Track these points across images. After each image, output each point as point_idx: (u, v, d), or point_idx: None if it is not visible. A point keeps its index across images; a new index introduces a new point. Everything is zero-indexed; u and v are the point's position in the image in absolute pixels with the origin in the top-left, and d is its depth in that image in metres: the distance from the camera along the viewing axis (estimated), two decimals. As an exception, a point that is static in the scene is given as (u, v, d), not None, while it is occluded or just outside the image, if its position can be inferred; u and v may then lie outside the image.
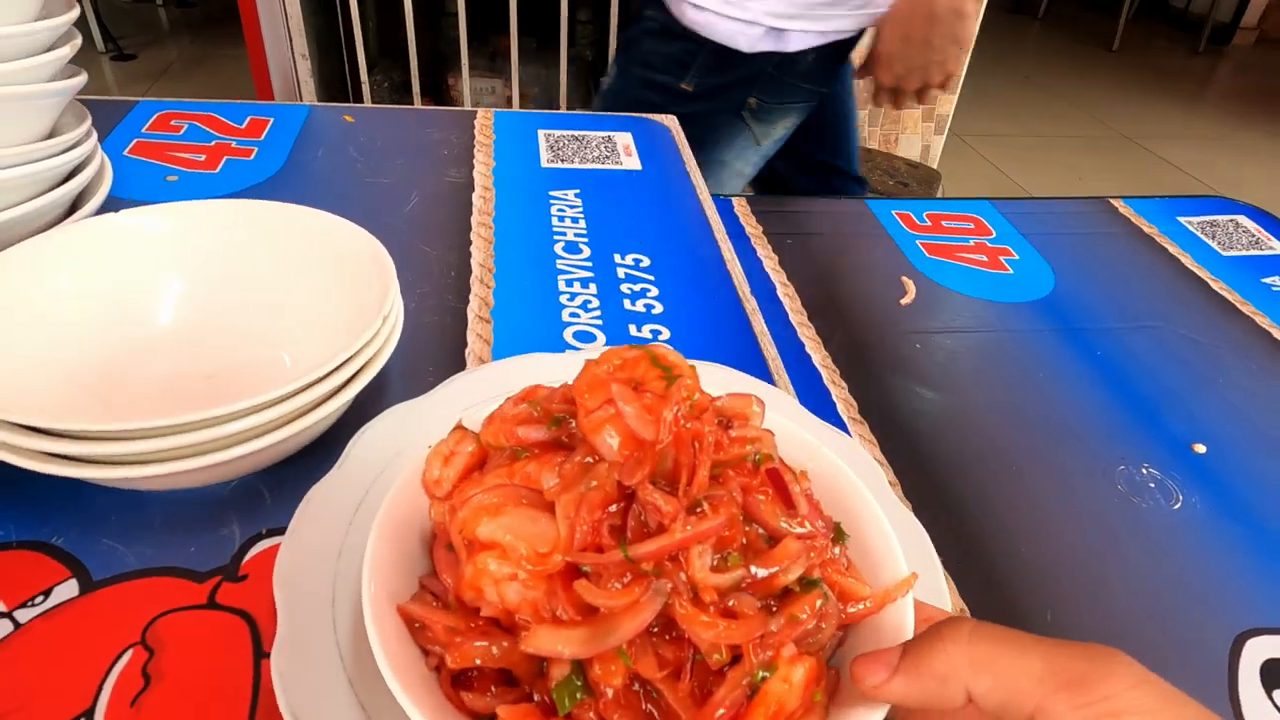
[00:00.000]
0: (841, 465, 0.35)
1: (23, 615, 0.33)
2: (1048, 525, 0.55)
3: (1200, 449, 0.64)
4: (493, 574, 0.25)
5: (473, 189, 0.67)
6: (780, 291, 0.76)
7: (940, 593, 0.36)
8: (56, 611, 0.34)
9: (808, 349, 0.69)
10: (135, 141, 0.69)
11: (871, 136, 2.24)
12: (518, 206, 0.65)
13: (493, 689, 0.26)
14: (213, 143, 0.70)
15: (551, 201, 0.67)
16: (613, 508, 0.25)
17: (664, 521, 0.24)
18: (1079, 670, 0.23)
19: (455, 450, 0.31)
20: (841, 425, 0.62)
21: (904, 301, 0.76)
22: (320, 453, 0.39)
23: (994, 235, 0.88)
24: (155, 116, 0.73)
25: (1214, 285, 0.84)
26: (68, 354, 0.38)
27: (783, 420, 0.37)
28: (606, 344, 0.52)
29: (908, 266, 0.81)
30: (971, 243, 0.86)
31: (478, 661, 0.25)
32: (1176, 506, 0.58)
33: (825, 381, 0.66)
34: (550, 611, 0.24)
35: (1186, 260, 0.88)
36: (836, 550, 0.30)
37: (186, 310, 0.42)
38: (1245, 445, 0.64)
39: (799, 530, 0.26)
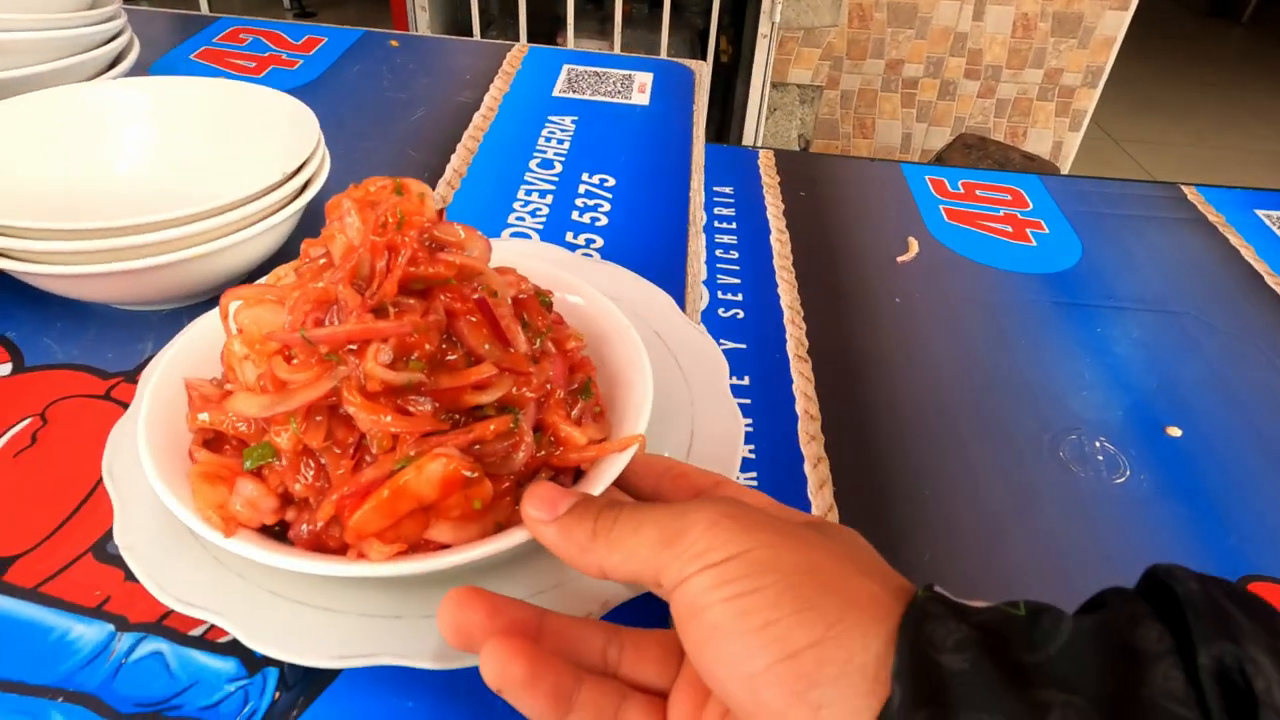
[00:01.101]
0: (636, 342, 0.37)
1: (-37, 383, 0.41)
2: (964, 476, 0.54)
3: (1175, 432, 0.59)
4: (236, 354, 0.30)
5: (478, 109, 0.72)
6: (774, 237, 0.76)
7: (730, 471, 0.37)
8: (-12, 384, 0.41)
9: (779, 290, 0.70)
10: (203, 49, 0.78)
11: (997, 128, 2.13)
12: (512, 127, 0.69)
13: (230, 452, 0.30)
14: (266, 54, 0.78)
15: (546, 125, 0.70)
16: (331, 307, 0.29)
17: (346, 315, 0.27)
18: (676, 526, 0.23)
19: (288, 273, 0.35)
20: (785, 360, 0.62)
21: (902, 259, 0.75)
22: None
23: (1029, 208, 0.84)
24: (228, 30, 0.82)
25: (1269, 280, 0.76)
26: (33, 184, 0.45)
27: (600, 298, 0.39)
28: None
29: (920, 228, 0.79)
30: (1000, 213, 0.83)
31: (212, 423, 0.29)
32: (1119, 481, 0.55)
33: (785, 320, 0.66)
34: (259, 385, 0.28)
35: (1248, 252, 0.80)
36: (575, 402, 0.32)
37: (144, 166, 0.49)
38: (1229, 436, 0.59)
39: (502, 359, 0.29)
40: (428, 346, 0.28)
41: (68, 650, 0.31)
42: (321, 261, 0.30)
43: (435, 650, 0.29)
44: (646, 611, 0.33)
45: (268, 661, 0.31)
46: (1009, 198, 0.86)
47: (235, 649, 0.31)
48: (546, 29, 1.78)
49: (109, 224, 0.40)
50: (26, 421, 0.39)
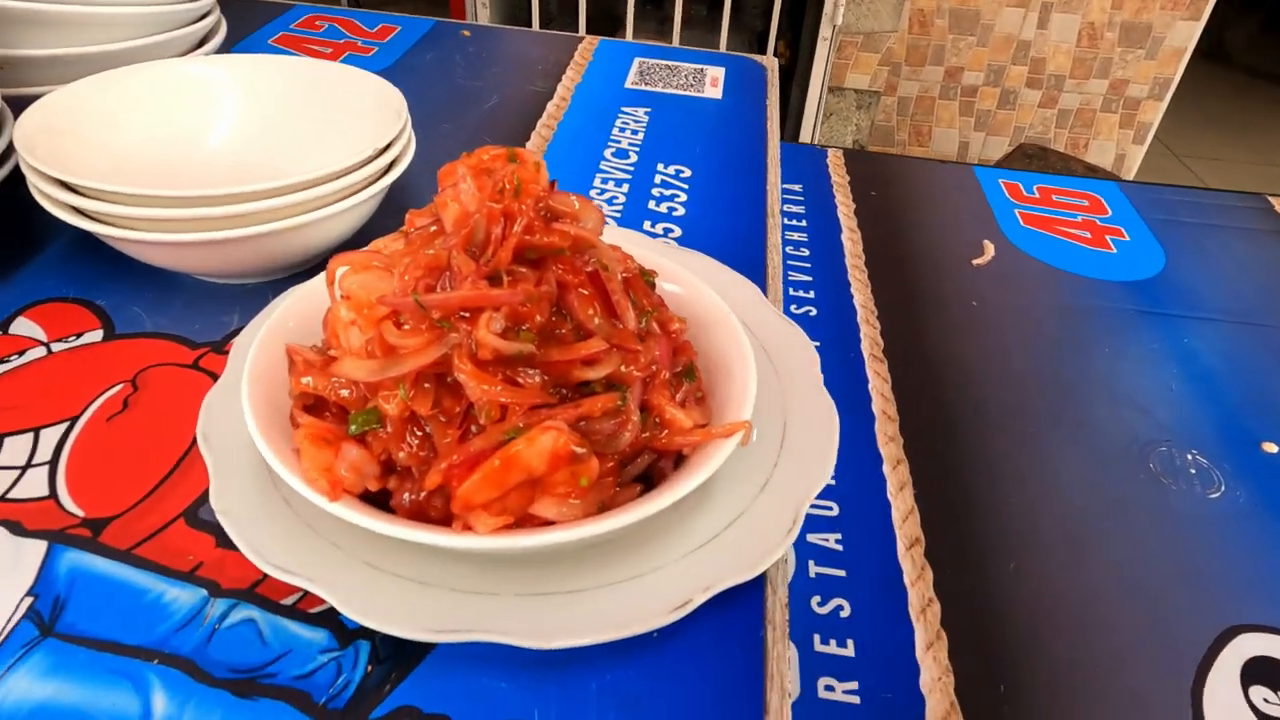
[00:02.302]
0: (738, 329, 0.36)
1: (56, 347, 0.41)
2: (1048, 484, 0.52)
3: (1271, 448, 0.57)
4: (343, 319, 0.29)
5: (551, 98, 0.71)
6: (845, 235, 0.75)
7: (823, 473, 0.36)
8: (80, 349, 0.41)
9: (852, 289, 0.68)
10: (281, 34, 0.79)
11: (1058, 139, 2.08)
12: (586, 116, 0.69)
13: (330, 418, 0.30)
14: (342, 40, 0.79)
15: (620, 115, 0.70)
16: (443, 273, 0.28)
17: (460, 282, 0.26)
18: None
19: (389, 244, 0.35)
20: (860, 359, 0.61)
21: (977, 262, 0.73)
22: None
23: (1109, 215, 0.81)
24: (305, 16, 0.83)
25: (1365, 295, 0.73)
26: (130, 154, 0.46)
27: (703, 285, 0.38)
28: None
29: (995, 232, 0.77)
30: (1079, 219, 0.81)
31: (316, 387, 0.29)
32: (1214, 496, 0.53)
33: (859, 320, 0.65)
34: (366, 350, 0.28)
35: (1343, 267, 0.77)
36: (680, 385, 0.31)
37: (234, 140, 0.49)
38: (1331, 454, 0.56)
39: (612, 335, 0.28)
40: (539, 318, 0.27)
41: (162, 613, 0.30)
42: (432, 229, 0.29)
43: (531, 628, 0.28)
44: (732, 601, 0.32)
45: (359, 634, 0.30)
46: (1086, 203, 0.83)
47: (326, 620, 0.31)
48: (605, 28, 1.79)
49: (203, 192, 0.40)
50: (118, 387, 0.39)
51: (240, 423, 0.34)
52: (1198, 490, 0.53)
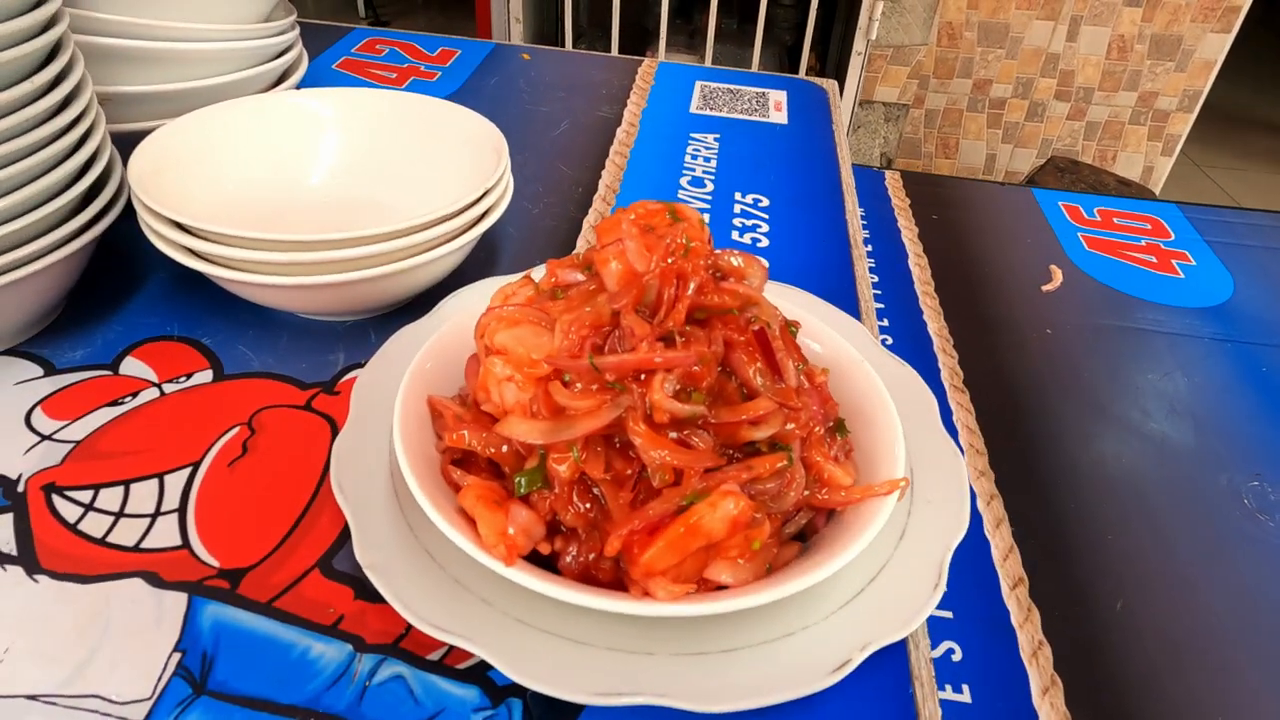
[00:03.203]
0: (873, 376, 0.36)
1: (168, 388, 0.41)
2: (1145, 520, 0.52)
3: (1363, 483, 0.56)
4: (496, 375, 0.29)
5: (619, 124, 0.71)
6: (912, 261, 0.75)
7: (960, 521, 0.35)
8: (192, 390, 0.41)
9: (925, 316, 0.68)
10: (344, 58, 0.79)
11: (1085, 151, 2.08)
12: (657, 142, 0.69)
13: (480, 473, 0.29)
14: (405, 65, 0.79)
15: (690, 141, 0.70)
16: (608, 332, 0.28)
17: (634, 343, 0.26)
18: None
19: (516, 290, 0.35)
20: (941, 390, 0.61)
21: (1046, 288, 0.73)
22: (424, 310, 0.44)
23: (1172, 238, 0.81)
24: (365, 40, 0.83)
25: None
26: (235, 191, 0.46)
27: (829, 330, 0.38)
28: (703, 266, 0.54)
29: (1061, 257, 0.77)
30: (1143, 242, 0.80)
31: (470, 443, 0.29)
32: (1311, 533, 0.52)
33: (935, 349, 0.65)
34: (530, 409, 0.28)
35: None
36: (834, 440, 0.31)
37: (335, 175, 0.49)
38: None
39: (776, 394, 0.28)
40: (709, 379, 0.27)
41: (310, 669, 0.30)
42: (590, 286, 0.29)
43: (692, 690, 0.28)
44: (877, 657, 0.32)
45: (510, 691, 0.30)
46: (1148, 227, 0.83)
47: (475, 676, 0.30)
48: (636, 44, 1.79)
49: (314, 237, 0.40)
50: (235, 430, 0.39)
51: (373, 471, 0.34)
52: (1295, 527, 0.52)
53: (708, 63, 1.70)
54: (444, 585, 0.30)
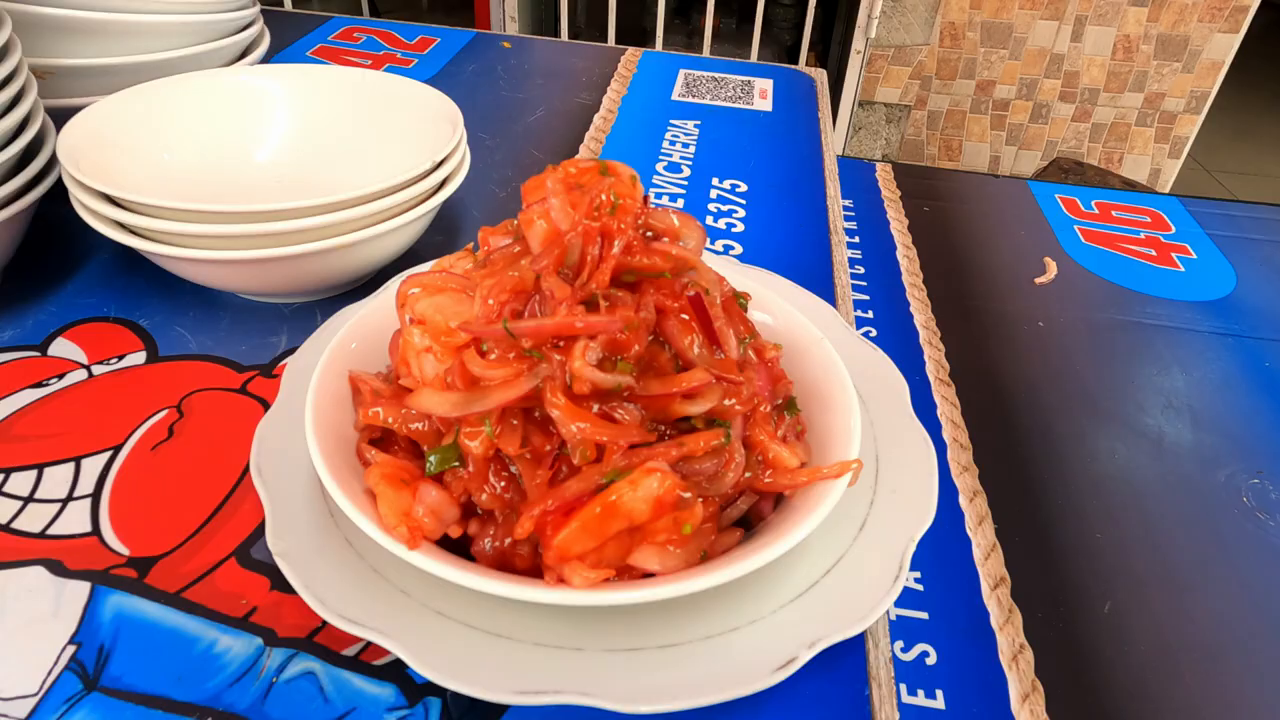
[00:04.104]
0: (832, 354, 0.33)
1: (97, 370, 0.39)
2: (1136, 517, 0.49)
3: (1370, 481, 0.53)
4: (415, 346, 0.27)
5: (597, 110, 0.69)
6: (900, 252, 0.72)
7: (925, 512, 0.33)
8: (122, 372, 0.39)
9: (912, 308, 0.65)
10: (319, 45, 0.77)
11: (1091, 153, 2.05)
12: (634, 129, 0.67)
13: (400, 453, 0.27)
14: (381, 52, 0.77)
15: (669, 128, 0.67)
16: (530, 297, 0.26)
17: (554, 308, 0.24)
18: None
19: (455, 263, 0.32)
20: (925, 383, 0.58)
21: (1039, 280, 0.70)
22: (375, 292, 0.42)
23: (1172, 231, 0.78)
24: (343, 28, 0.82)
25: None
26: (175, 168, 0.44)
27: (788, 307, 0.36)
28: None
29: (1055, 249, 0.74)
30: (1141, 235, 0.77)
31: (385, 419, 0.26)
32: (1314, 533, 0.49)
33: (921, 341, 0.62)
34: (445, 381, 0.25)
35: None
36: (782, 419, 0.29)
37: (283, 153, 0.47)
38: None
39: (714, 366, 0.26)
40: (637, 347, 0.24)
41: (215, 664, 0.28)
42: (515, 249, 0.27)
43: (622, 689, 0.25)
44: (831, 655, 0.29)
45: (428, 689, 0.28)
46: (1148, 219, 0.80)
47: (392, 673, 0.28)
48: (634, 42, 1.77)
49: (253, 208, 0.38)
50: (163, 413, 0.37)
51: (296, 455, 0.32)
52: (1297, 526, 0.49)
53: (705, 62, 1.68)
54: (361, 575, 0.28)
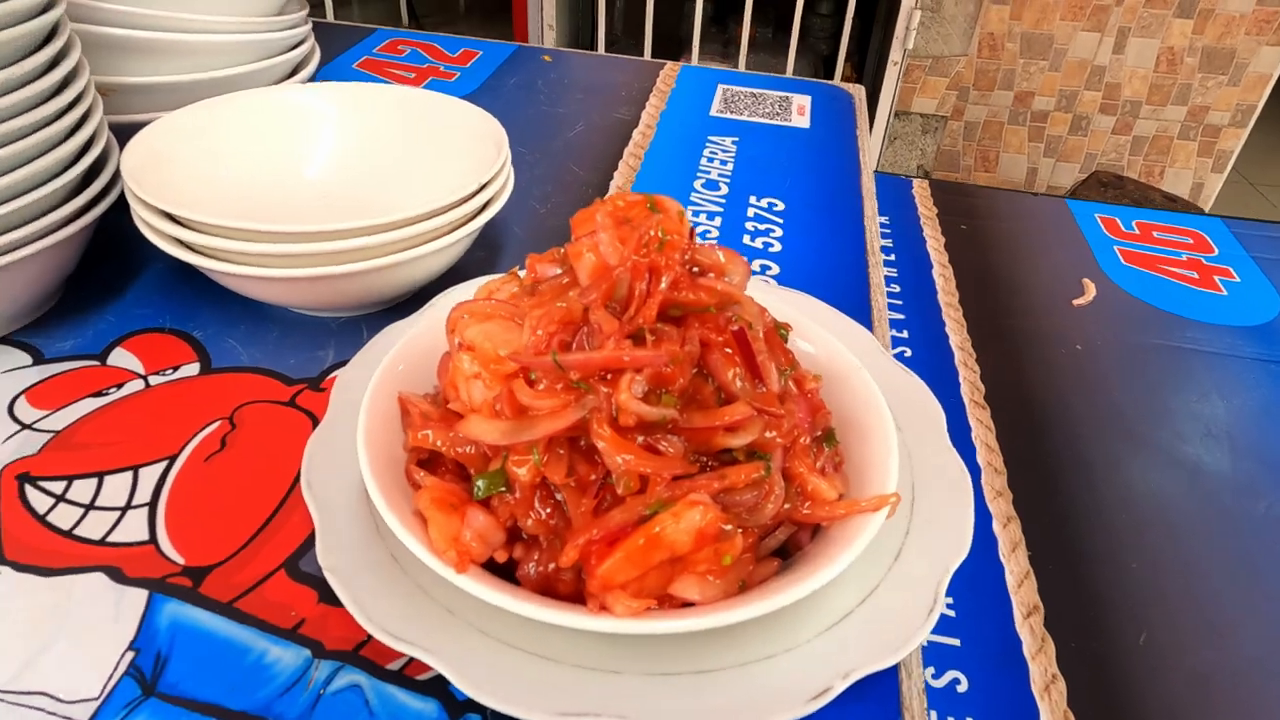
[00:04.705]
0: (871, 384, 0.34)
1: (154, 380, 0.41)
2: (1173, 548, 0.49)
3: None
4: (464, 372, 0.28)
5: (636, 125, 0.70)
6: (936, 271, 0.72)
7: (961, 543, 0.33)
8: (178, 383, 0.41)
9: (947, 328, 0.65)
10: (365, 58, 0.79)
11: (1131, 166, 2.02)
12: (673, 145, 0.67)
13: (446, 474, 0.28)
14: (425, 65, 0.78)
15: (707, 145, 0.68)
16: (579, 329, 0.26)
17: (601, 341, 0.25)
18: None
19: (500, 286, 0.33)
20: (960, 405, 0.58)
21: (1077, 302, 0.69)
22: (421, 307, 0.43)
23: (1215, 253, 0.77)
24: (388, 41, 0.83)
25: None
26: (230, 184, 0.45)
27: (827, 335, 0.36)
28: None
29: (1095, 270, 0.74)
30: (1183, 257, 0.76)
31: (434, 443, 0.27)
32: (1357, 569, 0.48)
33: (956, 362, 0.62)
34: (494, 408, 0.26)
35: None
36: (821, 451, 0.29)
37: (333, 171, 0.49)
38: None
39: (755, 399, 0.26)
40: (681, 380, 0.25)
41: (265, 674, 0.29)
42: (564, 280, 0.27)
43: (659, 713, 0.26)
44: (864, 684, 0.30)
45: (469, 706, 0.28)
46: (1191, 241, 0.79)
47: (434, 689, 0.29)
48: (670, 50, 1.78)
49: (305, 228, 0.39)
50: (216, 424, 0.38)
51: (345, 472, 0.33)
52: (1340, 561, 0.49)
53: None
54: (406, 592, 0.29)
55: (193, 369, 0.42)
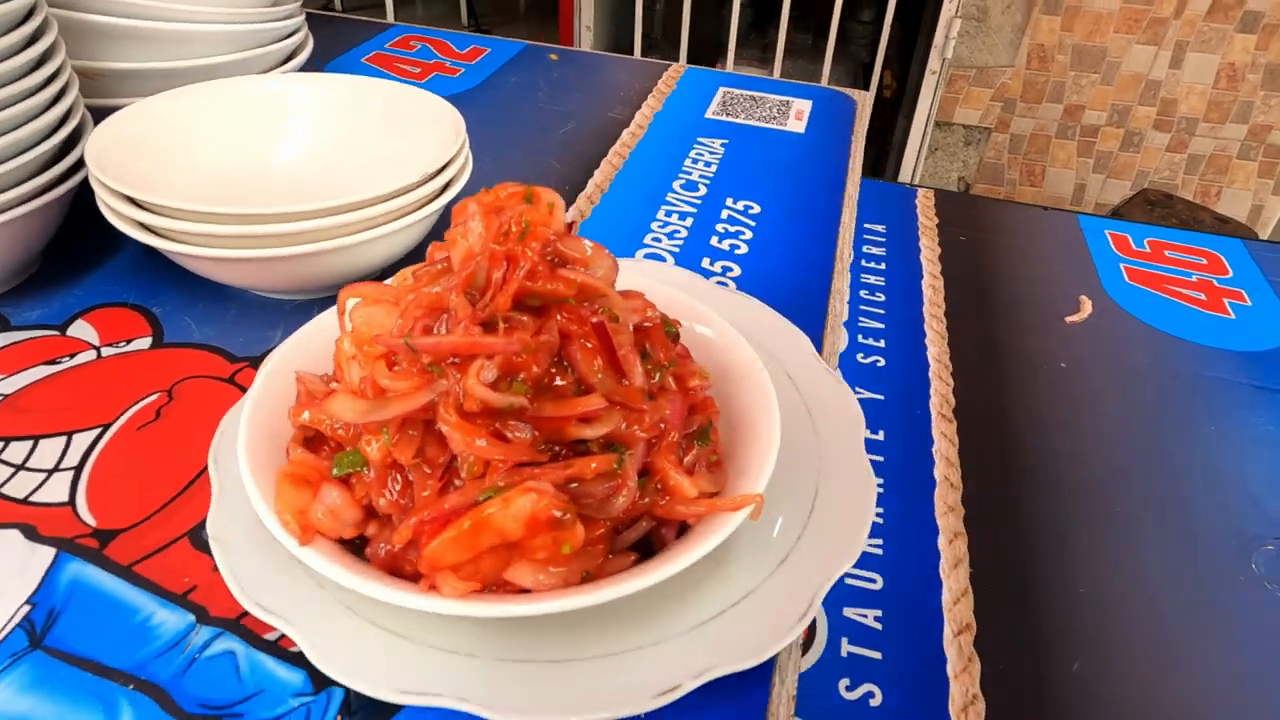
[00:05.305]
0: (766, 388, 0.33)
1: (106, 351, 0.42)
2: (1130, 577, 0.47)
3: (1404, 560, 0.49)
4: (344, 353, 0.28)
5: (628, 125, 0.70)
6: (926, 281, 0.71)
7: (853, 548, 0.32)
8: (127, 355, 0.42)
9: (927, 339, 0.64)
10: (375, 53, 0.81)
11: (1186, 185, 1.94)
12: (660, 145, 0.67)
13: (328, 453, 0.29)
14: (432, 61, 0.80)
15: (695, 146, 0.68)
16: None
17: (454, 326, 0.25)
18: None
19: (412, 275, 0.34)
20: (927, 418, 0.57)
21: (1071, 319, 0.67)
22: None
23: (1229, 275, 0.74)
24: (400, 36, 0.85)
25: None
26: (195, 170, 0.47)
27: (736, 336, 0.36)
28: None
29: (1095, 287, 0.71)
30: (1193, 278, 0.74)
31: (306, 420, 0.28)
32: (1327, 610, 0.46)
33: (930, 374, 0.61)
34: (361, 389, 0.27)
35: None
36: (691, 448, 0.29)
37: (299, 159, 0.50)
38: None
39: (615, 392, 0.26)
40: (535, 369, 0.25)
41: (148, 635, 0.30)
42: (440, 267, 0.28)
43: (503, 699, 0.26)
44: (737, 687, 0.29)
45: (334, 680, 0.29)
46: (1204, 262, 0.76)
47: (304, 661, 0.29)
48: (708, 55, 1.78)
49: (256, 210, 0.40)
50: (154, 396, 0.40)
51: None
52: (1308, 600, 0.46)
53: (776, 77, 1.67)
54: (284, 566, 0.29)
55: (144, 343, 0.43)
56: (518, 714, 0.25)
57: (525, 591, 0.25)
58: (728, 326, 0.35)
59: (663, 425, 0.27)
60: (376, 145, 0.49)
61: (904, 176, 1.79)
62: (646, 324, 0.29)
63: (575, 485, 0.25)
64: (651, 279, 0.37)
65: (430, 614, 0.28)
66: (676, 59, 1.71)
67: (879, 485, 0.51)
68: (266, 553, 0.30)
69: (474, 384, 0.24)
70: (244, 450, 0.28)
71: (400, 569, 0.26)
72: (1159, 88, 1.86)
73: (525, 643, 0.28)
